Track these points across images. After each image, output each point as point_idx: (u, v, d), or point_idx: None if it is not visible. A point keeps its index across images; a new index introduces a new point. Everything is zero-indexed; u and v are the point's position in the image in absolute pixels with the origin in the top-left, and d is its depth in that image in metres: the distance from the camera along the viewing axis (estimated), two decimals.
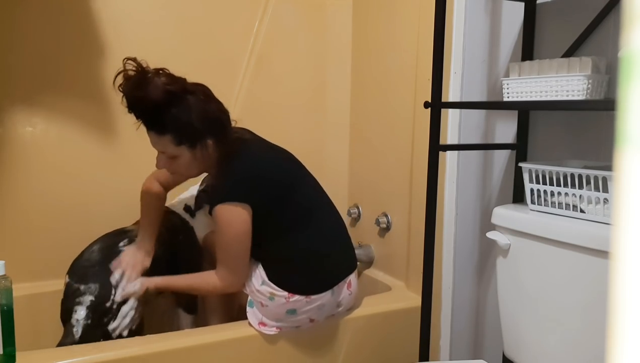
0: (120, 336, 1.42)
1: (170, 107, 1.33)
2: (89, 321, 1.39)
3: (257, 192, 1.40)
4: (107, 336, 1.41)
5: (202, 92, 1.39)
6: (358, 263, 1.71)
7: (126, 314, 1.42)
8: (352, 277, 1.55)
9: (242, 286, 1.47)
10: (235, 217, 1.38)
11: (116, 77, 1.33)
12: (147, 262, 1.50)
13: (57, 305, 1.48)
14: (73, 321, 1.40)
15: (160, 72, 1.34)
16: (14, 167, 1.74)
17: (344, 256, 1.56)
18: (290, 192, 1.45)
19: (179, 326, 1.70)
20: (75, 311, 1.40)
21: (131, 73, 1.32)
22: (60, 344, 1.40)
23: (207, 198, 1.62)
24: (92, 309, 1.40)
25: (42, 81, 1.75)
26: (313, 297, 1.45)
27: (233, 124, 1.46)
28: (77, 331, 1.38)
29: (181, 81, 1.36)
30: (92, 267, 1.47)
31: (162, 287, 1.49)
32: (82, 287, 1.43)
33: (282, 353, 1.51)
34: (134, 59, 1.33)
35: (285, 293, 1.43)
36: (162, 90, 1.30)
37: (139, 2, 1.86)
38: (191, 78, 1.92)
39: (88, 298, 1.41)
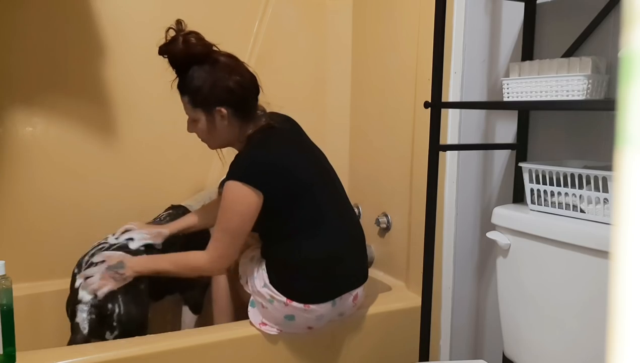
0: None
1: (189, 67, 1.40)
2: (93, 316, 1.40)
3: (272, 183, 1.39)
4: (111, 328, 1.41)
5: (226, 64, 1.41)
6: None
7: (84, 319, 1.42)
8: (360, 290, 1.51)
9: (224, 271, 1.52)
10: (243, 197, 1.36)
11: (166, 34, 1.40)
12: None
13: (57, 305, 1.49)
14: (78, 319, 1.40)
15: (193, 33, 1.39)
16: (14, 167, 1.74)
17: (353, 269, 1.51)
18: (305, 193, 1.42)
19: (182, 325, 1.70)
20: (79, 309, 1.41)
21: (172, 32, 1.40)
22: (70, 342, 1.40)
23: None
24: (95, 306, 1.41)
25: (42, 81, 1.75)
26: (312, 306, 1.42)
27: (266, 106, 1.50)
28: (85, 328, 1.39)
29: (208, 46, 1.40)
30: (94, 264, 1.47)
31: (143, 271, 1.44)
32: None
33: (282, 353, 1.51)
34: (180, 21, 1.40)
35: (284, 299, 1.41)
36: (183, 49, 1.37)
37: (139, 2, 1.86)
38: None
39: (90, 296, 1.42)
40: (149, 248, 1.54)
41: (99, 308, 1.41)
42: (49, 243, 1.79)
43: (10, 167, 1.74)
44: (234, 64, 1.43)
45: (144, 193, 1.89)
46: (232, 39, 1.98)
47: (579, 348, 1.10)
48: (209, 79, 1.39)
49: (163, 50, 1.40)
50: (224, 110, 1.41)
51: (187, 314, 1.70)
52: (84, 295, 1.41)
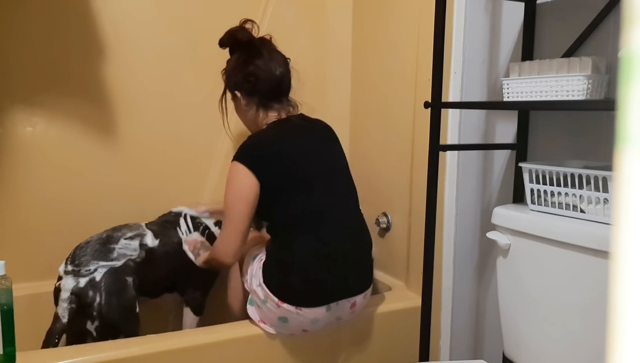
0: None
1: (230, 51, 1.60)
2: (73, 305, 1.42)
3: (264, 165, 1.42)
4: (91, 318, 1.43)
5: (247, 55, 1.54)
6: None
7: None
8: (359, 298, 1.47)
9: (231, 260, 1.47)
10: (237, 176, 1.42)
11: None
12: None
13: None
14: (59, 310, 1.43)
15: (243, 27, 1.57)
16: (14, 167, 1.74)
17: (353, 275, 1.46)
18: (300, 187, 1.42)
19: (184, 326, 1.70)
20: (60, 296, 1.44)
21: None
22: (49, 330, 1.42)
23: None
24: (75, 294, 1.43)
25: (42, 81, 1.75)
26: (304, 309, 1.39)
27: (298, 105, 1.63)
28: (64, 317, 1.41)
29: (248, 40, 1.56)
30: (83, 255, 1.48)
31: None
32: (70, 270, 1.47)
33: (282, 353, 1.51)
34: (247, 21, 1.60)
35: (276, 299, 1.39)
36: (229, 34, 1.57)
37: (139, 2, 1.86)
38: (191, 78, 1.93)
39: (71, 284, 1.44)
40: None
41: (80, 297, 1.43)
42: (49, 243, 1.79)
43: (10, 167, 1.74)
44: (258, 56, 1.55)
45: (143, 193, 1.89)
46: None
47: (579, 348, 1.10)
48: (230, 64, 1.59)
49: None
50: (238, 94, 1.56)
51: (189, 315, 1.70)
52: (67, 283, 1.44)
